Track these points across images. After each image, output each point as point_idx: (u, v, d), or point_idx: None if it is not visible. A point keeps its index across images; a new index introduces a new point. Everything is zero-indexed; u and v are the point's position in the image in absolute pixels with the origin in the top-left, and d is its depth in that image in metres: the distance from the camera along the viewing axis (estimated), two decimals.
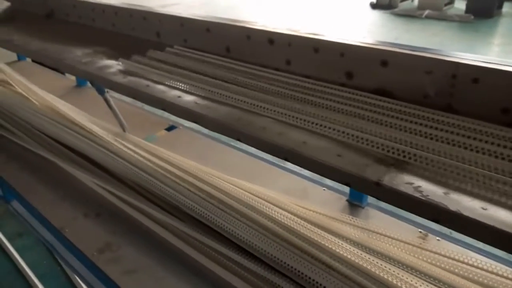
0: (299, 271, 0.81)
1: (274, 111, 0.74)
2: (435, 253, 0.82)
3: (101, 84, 1.09)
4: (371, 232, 0.89)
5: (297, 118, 0.71)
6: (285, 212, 0.92)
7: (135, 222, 1.07)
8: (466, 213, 0.48)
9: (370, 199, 1.06)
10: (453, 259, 0.80)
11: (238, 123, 0.73)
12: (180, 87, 0.89)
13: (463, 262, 0.79)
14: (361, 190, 0.67)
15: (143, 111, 1.75)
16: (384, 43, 0.81)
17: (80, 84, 2.02)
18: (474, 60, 0.68)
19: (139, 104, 1.62)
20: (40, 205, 1.18)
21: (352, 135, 0.64)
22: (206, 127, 0.79)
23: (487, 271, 0.76)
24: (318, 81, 0.87)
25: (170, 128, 1.55)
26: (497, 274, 0.75)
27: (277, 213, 0.91)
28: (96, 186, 1.20)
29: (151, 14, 1.28)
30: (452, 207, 0.49)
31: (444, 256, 0.81)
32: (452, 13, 6.32)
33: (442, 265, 0.78)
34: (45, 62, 1.33)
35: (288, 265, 0.83)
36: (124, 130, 1.35)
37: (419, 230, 0.98)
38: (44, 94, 1.57)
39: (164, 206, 1.06)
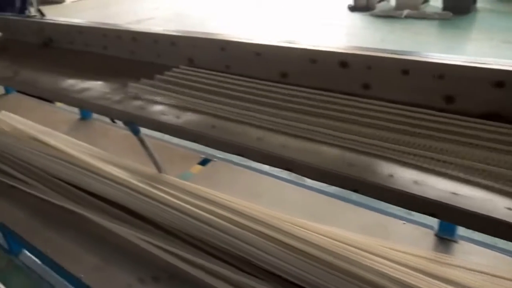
0: None
1: (393, 149, 0.62)
2: None
3: (144, 125, 0.95)
4: (478, 273, 0.79)
5: (428, 158, 0.59)
6: (380, 258, 0.81)
7: (202, 284, 0.93)
8: None
9: (461, 231, 0.95)
10: None
11: (352, 169, 0.60)
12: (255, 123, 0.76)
13: None
14: None
15: (164, 143, 1.59)
16: (494, 61, 0.71)
17: (84, 116, 1.85)
18: None
19: (156, 134, 1.48)
20: (82, 273, 1.01)
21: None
22: (303, 175, 0.66)
23: None
24: (411, 107, 0.76)
25: (204, 162, 1.41)
26: None
27: (371, 260, 0.80)
28: (145, 243, 1.04)
29: (180, 38, 1.15)
30: None
31: None
32: (431, 11, 6.39)
33: None
34: (62, 101, 1.18)
35: None
36: (160, 171, 1.20)
37: None
38: (56, 134, 1.41)
39: (233, 261, 0.92)
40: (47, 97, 1.64)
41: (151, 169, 1.22)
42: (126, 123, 1.07)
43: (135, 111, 0.92)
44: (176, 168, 1.36)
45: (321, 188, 1.17)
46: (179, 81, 1.02)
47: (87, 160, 1.30)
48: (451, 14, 6.15)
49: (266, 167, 1.11)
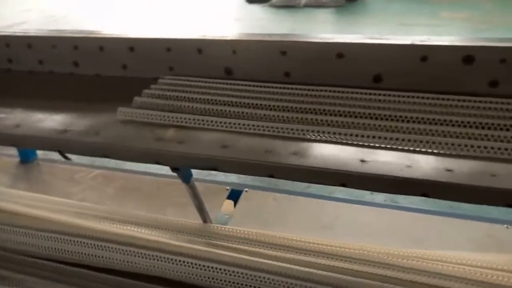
0: None
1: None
2: None
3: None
4: None
5: None
6: None
7: None
8: None
9: None
10: None
11: None
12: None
13: None
14: None
15: (163, 179, 1.25)
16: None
17: (25, 158, 1.39)
18: None
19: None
20: None
21: None
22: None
23: None
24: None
25: (235, 195, 1.13)
26: None
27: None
28: None
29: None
30: None
31: None
32: None
33: None
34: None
35: None
36: (205, 220, 0.91)
37: None
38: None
39: None
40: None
41: (186, 220, 0.92)
42: (175, 169, 0.77)
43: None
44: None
45: (396, 204, 1.02)
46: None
47: (83, 223, 0.94)
48: (344, 1, 6.51)
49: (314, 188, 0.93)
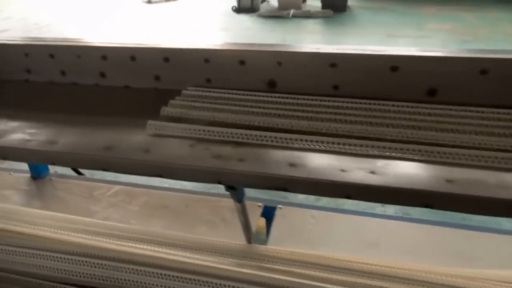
0: None
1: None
2: None
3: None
4: None
5: None
6: None
7: None
8: None
9: None
10: None
11: None
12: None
13: None
14: None
15: (185, 194, 1.20)
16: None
17: (37, 174, 1.31)
18: None
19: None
20: None
21: None
22: None
23: None
24: None
25: (269, 212, 1.08)
26: None
27: None
28: None
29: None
30: None
31: None
32: (314, 10, 6.74)
33: None
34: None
35: None
36: (249, 241, 0.86)
37: None
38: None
39: None
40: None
41: (230, 242, 0.87)
42: (231, 188, 0.73)
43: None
44: (233, 228, 1.02)
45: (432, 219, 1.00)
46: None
47: (116, 247, 0.88)
48: (332, 12, 6.59)
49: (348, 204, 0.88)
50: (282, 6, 6.94)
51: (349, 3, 7.22)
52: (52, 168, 1.32)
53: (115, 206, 1.13)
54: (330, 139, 0.66)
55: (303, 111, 0.77)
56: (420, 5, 6.94)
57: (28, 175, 1.31)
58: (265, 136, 0.69)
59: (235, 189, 0.74)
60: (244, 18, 6.74)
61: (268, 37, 5.51)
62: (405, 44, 4.86)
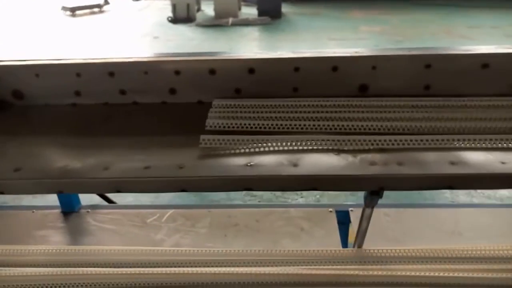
0: None
1: None
2: None
3: None
4: None
5: None
6: None
7: None
8: None
9: None
10: None
11: None
12: None
13: None
14: None
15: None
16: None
17: (69, 208, 1.15)
18: None
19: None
20: None
21: None
22: None
23: None
24: None
25: (344, 216, 1.07)
26: None
27: None
28: None
29: None
30: None
31: None
32: (252, 17, 6.84)
33: None
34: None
35: None
36: (360, 245, 0.85)
37: None
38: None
39: None
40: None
41: (338, 249, 0.86)
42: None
43: None
44: (320, 234, 1.01)
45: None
46: None
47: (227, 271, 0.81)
48: (269, 19, 6.75)
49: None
50: (219, 15, 6.95)
51: (283, 10, 7.46)
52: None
53: (180, 231, 1.04)
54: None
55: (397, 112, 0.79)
56: (347, 10, 7.41)
57: (56, 210, 1.15)
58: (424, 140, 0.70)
59: (378, 195, 0.74)
60: (183, 28, 6.63)
61: (215, 46, 5.48)
62: (349, 46, 5.14)
